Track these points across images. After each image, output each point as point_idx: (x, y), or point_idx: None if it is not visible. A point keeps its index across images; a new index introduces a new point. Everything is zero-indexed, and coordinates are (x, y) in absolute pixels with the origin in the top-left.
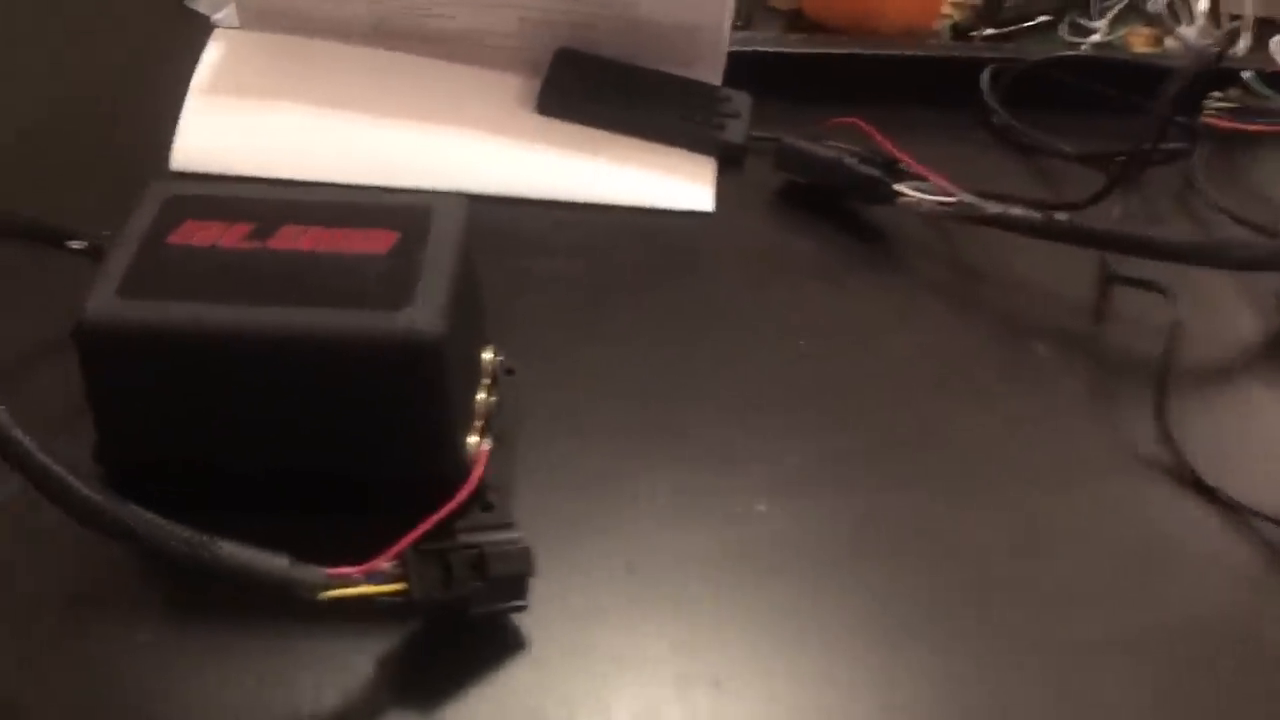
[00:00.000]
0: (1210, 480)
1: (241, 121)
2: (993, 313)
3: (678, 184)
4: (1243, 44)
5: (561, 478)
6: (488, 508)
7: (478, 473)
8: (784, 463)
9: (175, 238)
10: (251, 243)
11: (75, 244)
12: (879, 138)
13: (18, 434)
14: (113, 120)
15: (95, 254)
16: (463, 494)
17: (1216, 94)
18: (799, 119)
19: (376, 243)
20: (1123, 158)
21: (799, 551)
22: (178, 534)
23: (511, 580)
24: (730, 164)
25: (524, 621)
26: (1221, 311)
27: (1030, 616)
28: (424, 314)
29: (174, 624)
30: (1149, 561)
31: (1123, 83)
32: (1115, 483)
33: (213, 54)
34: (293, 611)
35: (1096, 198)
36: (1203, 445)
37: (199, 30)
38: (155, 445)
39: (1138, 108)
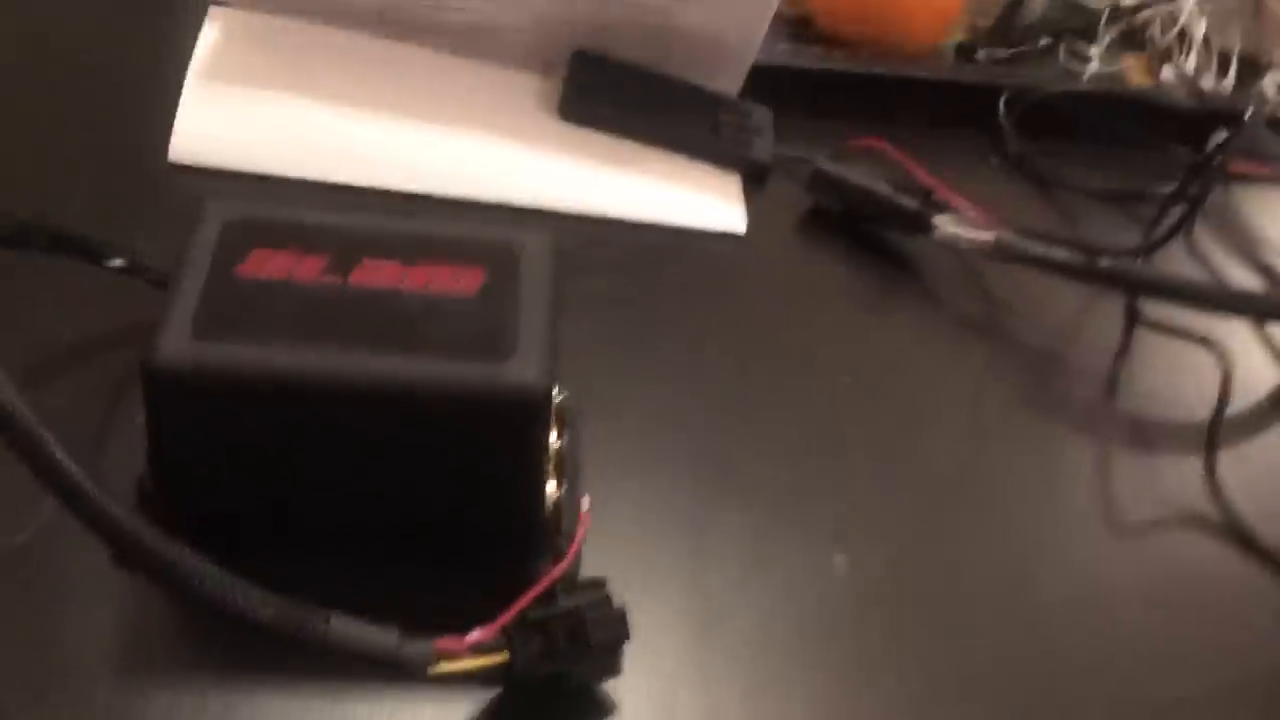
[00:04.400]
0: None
1: (244, 111)
2: (1031, 352)
3: (709, 203)
4: (1228, 82)
5: (630, 524)
6: (558, 556)
7: (582, 530)
8: (853, 506)
9: (245, 268)
10: (331, 277)
11: (116, 263)
12: (910, 165)
13: (88, 486)
14: (103, 105)
15: (135, 271)
16: (570, 554)
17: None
18: (813, 135)
19: (464, 281)
20: (1168, 196)
21: (879, 604)
22: (287, 608)
23: (609, 647)
24: (754, 181)
25: (610, 686)
26: (1256, 360)
27: (1096, 672)
28: (531, 367)
29: (243, 687)
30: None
31: (1137, 117)
32: (1165, 535)
33: (211, 36)
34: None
35: (1151, 247)
36: (1251, 498)
37: (193, 10)
38: (221, 495)
39: (1149, 144)
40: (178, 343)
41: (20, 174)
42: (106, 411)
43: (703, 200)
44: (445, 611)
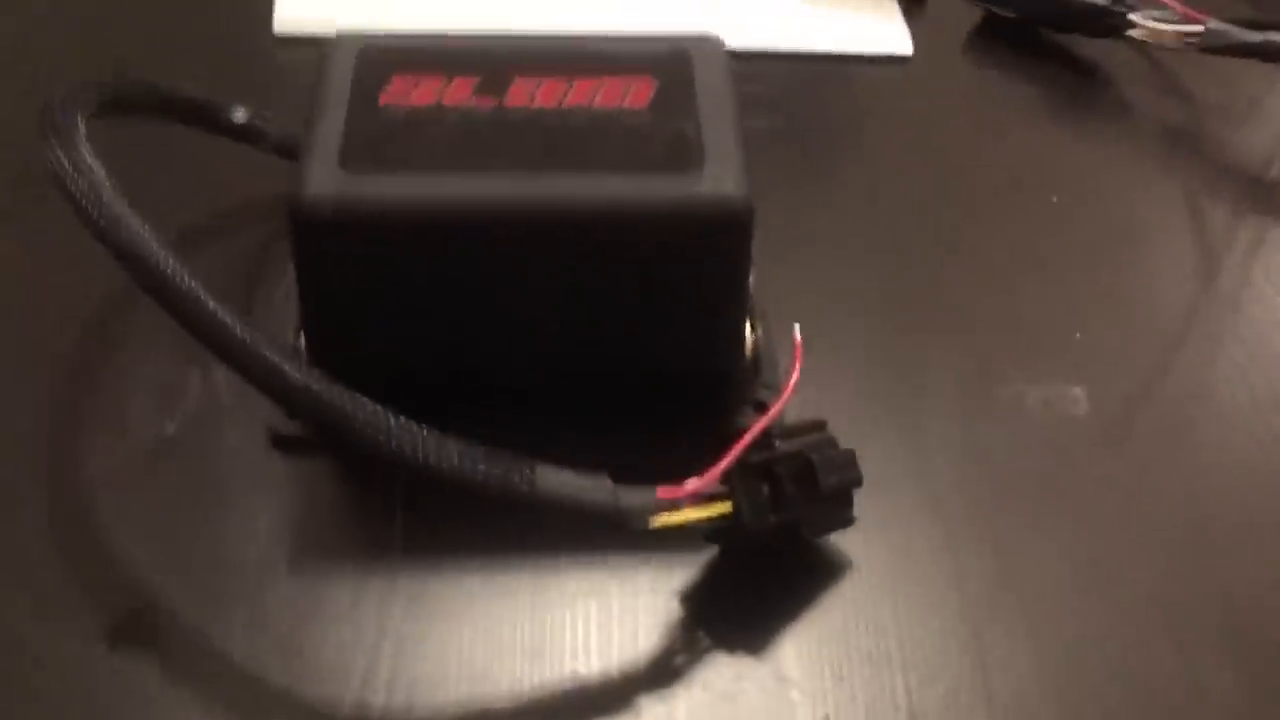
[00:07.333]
0: None
1: None
2: (1254, 154)
3: (867, 24)
4: None
5: (835, 368)
6: (760, 408)
7: (798, 363)
8: (1085, 333)
9: (388, 97)
10: (483, 99)
11: (239, 115)
12: None
13: (252, 337)
14: None
15: (253, 135)
16: (788, 388)
17: None
18: None
19: (633, 93)
20: None
21: (1123, 441)
22: (488, 459)
23: (840, 492)
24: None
25: (841, 542)
26: None
27: None
28: (726, 175)
29: (435, 565)
30: None
31: None
32: None
33: None
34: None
35: None
36: None
37: None
38: (383, 354)
39: None
40: (325, 176)
41: (119, 57)
42: (246, 287)
43: (860, 22)
44: (645, 469)
